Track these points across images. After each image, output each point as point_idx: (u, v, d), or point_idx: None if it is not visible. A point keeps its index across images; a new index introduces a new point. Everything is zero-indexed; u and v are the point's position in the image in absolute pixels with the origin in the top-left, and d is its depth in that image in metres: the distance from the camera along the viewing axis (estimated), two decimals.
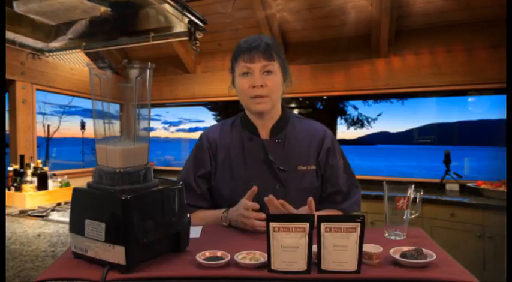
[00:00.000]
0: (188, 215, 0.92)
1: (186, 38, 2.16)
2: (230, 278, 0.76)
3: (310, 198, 1.07)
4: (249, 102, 1.22)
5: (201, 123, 5.69)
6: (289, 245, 0.77)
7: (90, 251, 0.81)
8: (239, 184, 1.23)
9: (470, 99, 3.99)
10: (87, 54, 3.81)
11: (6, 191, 2.52)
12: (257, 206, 1.10)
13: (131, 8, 2.16)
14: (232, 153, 1.27)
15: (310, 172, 1.25)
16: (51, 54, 2.73)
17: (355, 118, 5.80)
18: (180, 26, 2.17)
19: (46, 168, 2.70)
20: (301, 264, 0.77)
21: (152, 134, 5.37)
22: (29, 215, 2.12)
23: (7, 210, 2.24)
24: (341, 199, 1.28)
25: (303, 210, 1.12)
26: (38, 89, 3.33)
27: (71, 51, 2.65)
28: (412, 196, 1.02)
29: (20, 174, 2.58)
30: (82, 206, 0.85)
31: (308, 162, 1.25)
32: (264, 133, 1.27)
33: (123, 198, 0.77)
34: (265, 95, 1.19)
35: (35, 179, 2.56)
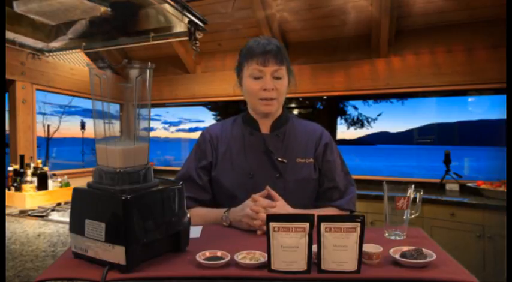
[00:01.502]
0: (188, 215, 0.92)
1: (186, 38, 2.16)
2: (230, 278, 0.76)
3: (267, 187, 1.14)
4: (257, 103, 1.26)
5: (201, 123, 5.71)
6: (289, 245, 0.77)
7: (90, 251, 0.81)
8: (239, 175, 1.26)
9: (470, 99, 3.99)
10: (87, 54, 3.81)
11: (6, 191, 2.52)
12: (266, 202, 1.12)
13: (131, 8, 2.16)
14: (233, 146, 1.31)
15: (308, 165, 1.29)
16: (51, 54, 2.73)
17: (355, 118, 5.81)
18: (180, 26, 2.17)
19: (46, 168, 2.70)
20: (301, 264, 0.77)
21: (152, 134, 5.37)
22: (29, 215, 2.12)
23: (7, 210, 2.24)
24: (338, 196, 1.30)
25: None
26: (38, 89, 3.33)
27: (71, 51, 2.65)
28: (412, 196, 1.02)
29: (20, 174, 2.58)
30: (82, 206, 0.85)
31: (306, 155, 1.29)
32: (265, 129, 1.32)
33: (123, 198, 0.77)
34: (275, 97, 1.24)
35: (35, 179, 2.56)
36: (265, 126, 1.32)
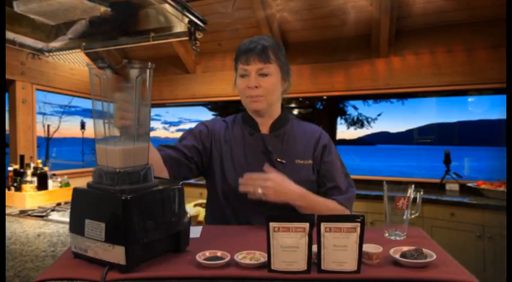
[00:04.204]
0: (188, 215, 0.92)
1: (186, 38, 2.16)
2: (230, 278, 0.76)
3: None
4: (246, 101, 1.29)
5: None
6: (289, 245, 0.77)
7: (90, 251, 0.81)
8: (239, 175, 1.24)
9: (470, 99, 3.99)
10: (87, 54, 3.81)
11: (6, 191, 2.52)
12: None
13: (131, 8, 2.16)
14: (234, 146, 1.31)
15: (306, 166, 1.29)
16: (51, 54, 2.72)
17: (355, 118, 5.80)
18: (180, 26, 2.17)
19: (46, 168, 2.70)
20: (301, 264, 0.77)
21: (152, 134, 5.37)
22: (29, 215, 2.12)
23: (7, 210, 2.24)
24: (338, 194, 1.30)
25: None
26: (38, 89, 3.34)
27: (71, 51, 2.65)
28: (412, 196, 1.02)
29: (20, 174, 2.58)
30: (82, 206, 0.84)
31: (305, 156, 1.30)
32: (264, 129, 1.33)
33: (123, 198, 0.77)
34: (260, 95, 1.24)
35: (35, 179, 2.56)
36: (264, 127, 1.33)
